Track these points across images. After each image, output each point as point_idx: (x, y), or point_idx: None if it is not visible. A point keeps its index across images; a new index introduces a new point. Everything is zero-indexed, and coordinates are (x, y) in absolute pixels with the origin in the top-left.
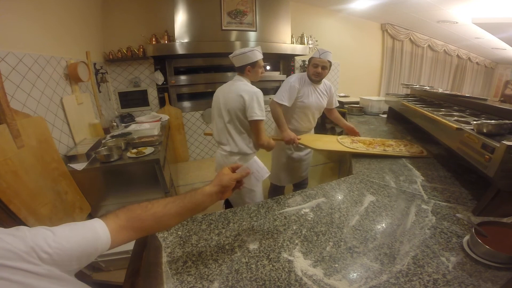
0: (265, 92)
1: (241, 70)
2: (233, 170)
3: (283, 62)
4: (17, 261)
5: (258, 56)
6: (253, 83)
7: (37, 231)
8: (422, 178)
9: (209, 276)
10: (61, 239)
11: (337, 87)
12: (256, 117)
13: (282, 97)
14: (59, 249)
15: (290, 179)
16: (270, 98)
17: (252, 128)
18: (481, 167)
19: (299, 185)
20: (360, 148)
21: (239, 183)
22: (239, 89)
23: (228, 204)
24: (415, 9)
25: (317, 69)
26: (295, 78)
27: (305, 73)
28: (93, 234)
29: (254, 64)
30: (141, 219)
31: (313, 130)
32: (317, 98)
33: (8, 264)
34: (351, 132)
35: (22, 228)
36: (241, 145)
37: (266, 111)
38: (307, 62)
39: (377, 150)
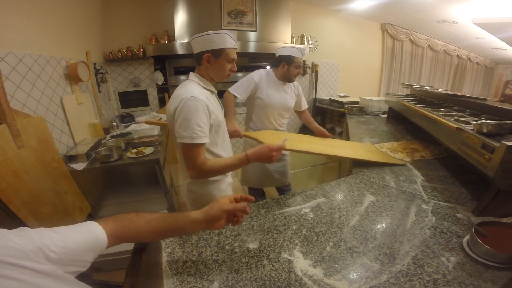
0: None
1: (198, 61)
2: (237, 200)
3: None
4: (25, 260)
5: (228, 43)
6: (217, 85)
7: (42, 231)
8: (422, 178)
9: (209, 276)
10: (66, 239)
11: (337, 87)
12: (180, 138)
13: (236, 87)
14: (65, 248)
15: (266, 182)
16: None
17: (182, 151)
18: (481, 167)
19: (281, 191)
20: (406, 158)
21: (236, 217)
22: (173, 95)
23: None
24: (415, 9)
25: (299, 70)
26: (257, 73)
27: (271, 70)
28: (93, 235)
29: (218, 54)
30: (125, 230)
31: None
32: (283, 97)
33: (16, 262)
34: (323, 135)
35: (27, 229)
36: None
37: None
38: (284, 62)
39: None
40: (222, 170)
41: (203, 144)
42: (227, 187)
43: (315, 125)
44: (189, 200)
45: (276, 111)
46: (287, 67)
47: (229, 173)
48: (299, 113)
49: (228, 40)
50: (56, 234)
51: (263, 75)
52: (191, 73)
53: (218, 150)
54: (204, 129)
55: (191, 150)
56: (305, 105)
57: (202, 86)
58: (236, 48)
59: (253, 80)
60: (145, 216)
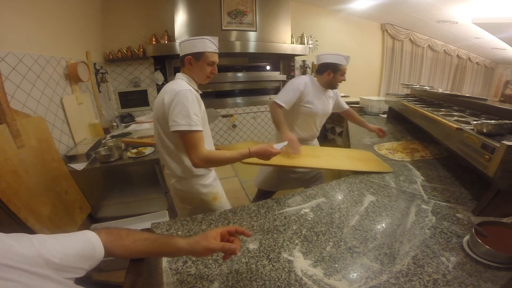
0: (265, 92)
1: (181, 63)
2: (231, 233)
3: (283, 62)
4: (24, 263)
5: (208, 47)
6: (201, 86)
7: (41, 238)
8: (422, 178)
9: (209, 276)
10: (65, 246)
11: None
12: (176, 126)
13: (282, 97)
14: (65, 254)
15: (283, 184)
16: (270, 98)
17: (181, 141)
18: (481, 167)
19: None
20: (406, 158)
21: (227, 252)
22: (164, 90)
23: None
24: (415, 9)
25: (344, 77)
26: (301, 81)
27: (314, 77)
28: (89, 244)
29: (198, 56)
30: (113, 246)
31: (316, 139)
32: (326, 104)
33: (15, 265)
34: (380, 132)
35: (26, 235)
36: (173, 165)
37: (262, 111)
38: (330, 70)
39: (418, 155)
40: (225, 161)
41: (201, 131)
42: (213, 182)
43: (368, 125)
44: (178, 198)
45: (320, 118)
46: (333, 75)
47: (213, 168)
48: (344, 113)
49: (208, 44)
50: (56, 241)
51: (308, 82)
52: (177, 73)
53: (205, 144)
54: (199, 119)
55: (191, 137)
56: (345, 104)
57: (190, 85)
58: (217, 52)
59: (299, 89)
60: (135, 235)
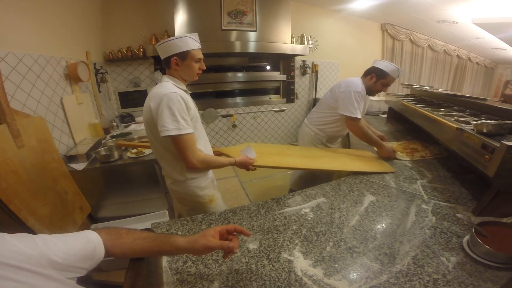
0: (265, 92)
1: (167, 65)
2: (230, 232)
3: (283, 62)
4: (28, 263)
5: (192, 45)
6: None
7: (45, 238)
8: (422, 178)
9: (209, 276)
10: (68, 246)
11: None
12: (166, 131)
13: (357, 110)
14: (68, 254)
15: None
16: (270, 98)
17: (174, 145)
18: (481, 167)
19: None
20: (406, 158)
21: (226, 250)
22: (150, 95)
23: None
24: (415, 9)
25: (384, 89)
26: (360, 87)
27: (360, 80)
28: (91, 244)
29: (184, 56)
30: (113, 245)
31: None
32: (364, 109)
33: (20, 265)
34: (381, 139)
35: (29, 235)
36: (167, 168)
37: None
38: (374, 74)
39: (418, 155)
40: (219, 164)
41: (192, 134)
42: (209, 184)
43: (373, 130)
44: (175, 198)
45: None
46: (374, 80)
47: (210, 170)
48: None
49: (191, 42)
50: (58, 241)
51: (363, 87)
52: (163, 75)
53: (198, 145)
54: (188, 121)
55: (182, 140)
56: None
57: (177, 86)
58: (200, 48)
59: (362, 95)
60: (135, 234)
